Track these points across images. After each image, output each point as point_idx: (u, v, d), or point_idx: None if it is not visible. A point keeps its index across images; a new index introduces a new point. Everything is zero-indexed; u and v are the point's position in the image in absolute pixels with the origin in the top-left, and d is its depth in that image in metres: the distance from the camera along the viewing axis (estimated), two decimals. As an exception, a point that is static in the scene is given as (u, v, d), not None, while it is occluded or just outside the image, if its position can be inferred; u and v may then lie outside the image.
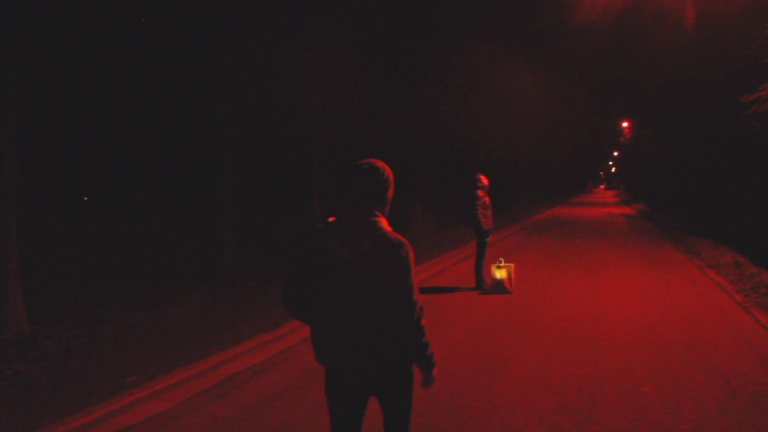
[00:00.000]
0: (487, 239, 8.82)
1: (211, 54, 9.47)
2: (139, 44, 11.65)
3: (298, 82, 10.91)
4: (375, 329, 2.28)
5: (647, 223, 23.91)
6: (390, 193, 2.45)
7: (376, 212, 2.37)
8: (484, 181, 8.79)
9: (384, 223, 2.36)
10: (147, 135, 13.66)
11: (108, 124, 13.28)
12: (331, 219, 2.41)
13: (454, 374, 5.00)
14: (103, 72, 12.25)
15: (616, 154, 74.19)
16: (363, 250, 2.28)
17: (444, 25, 15.26)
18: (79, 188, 14.32)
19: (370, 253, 2.27)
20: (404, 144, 16.47)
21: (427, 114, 15.85)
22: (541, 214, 29.85)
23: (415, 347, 2.35)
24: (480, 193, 8.68)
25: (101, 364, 5.32)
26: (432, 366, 2.46)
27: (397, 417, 2.46)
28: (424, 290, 8.60)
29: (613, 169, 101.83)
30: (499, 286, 8.51)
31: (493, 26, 16.52)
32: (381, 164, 2.44)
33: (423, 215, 17.56)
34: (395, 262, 2.27)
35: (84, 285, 8.53)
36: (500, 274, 8.50)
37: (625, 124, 45.53)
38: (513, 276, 8.57)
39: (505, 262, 8.67)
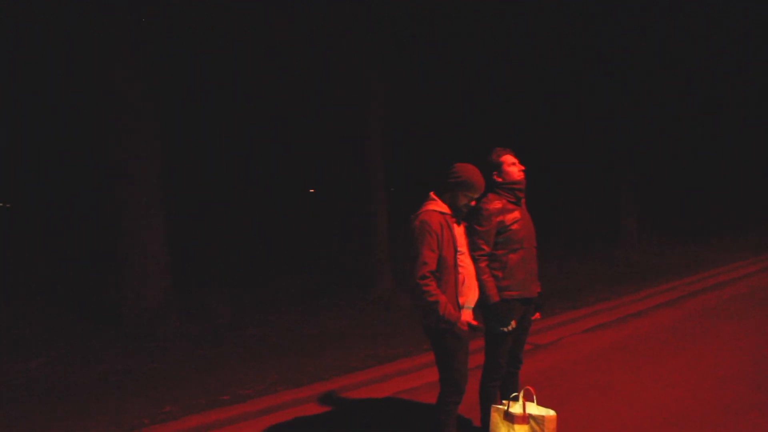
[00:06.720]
0: (507, 328, 3.46)
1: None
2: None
3: None
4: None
5: None
6: (456, 185, 3.14)
7: (434, 195, 3.14)
8: (514, 173, 3.55)
9: (432, 204, 3.07)
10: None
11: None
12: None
13: None
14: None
15: None
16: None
17: None
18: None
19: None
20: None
21: None
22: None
23: (423, 307, 2.97)
24: (489, 207, 3.45)
25: None
26: (441, 323, 2.96)
27: (439, 370, 3.09)
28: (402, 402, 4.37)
29: None
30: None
31: None
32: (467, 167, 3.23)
33: (638, 227, 13.95)
34: (410, 232, 3.03)
35: None
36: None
37: None
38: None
39: (539, 402, 3.32)
